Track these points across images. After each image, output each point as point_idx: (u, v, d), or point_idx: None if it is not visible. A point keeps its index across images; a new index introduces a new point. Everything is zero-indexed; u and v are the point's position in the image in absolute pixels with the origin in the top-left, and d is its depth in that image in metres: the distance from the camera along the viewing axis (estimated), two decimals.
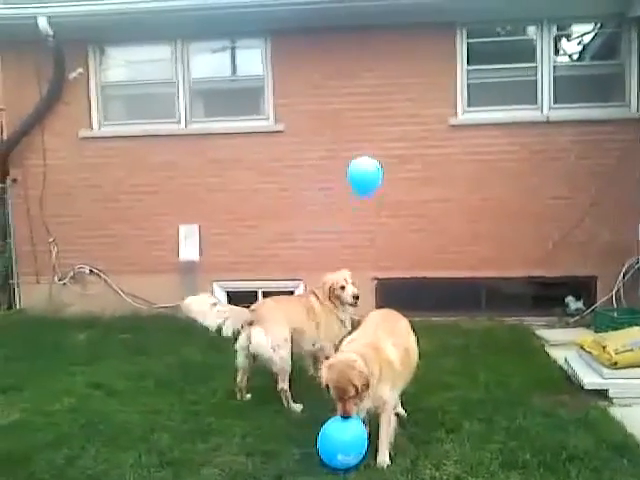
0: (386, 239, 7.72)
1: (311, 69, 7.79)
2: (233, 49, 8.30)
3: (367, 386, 3.81)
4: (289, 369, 4.87)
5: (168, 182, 8.03)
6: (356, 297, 5.13)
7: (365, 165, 4.90)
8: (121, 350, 6.51)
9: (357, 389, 3.76)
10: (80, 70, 8.01)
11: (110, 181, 8.11)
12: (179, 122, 8.08)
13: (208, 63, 8.32)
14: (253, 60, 8.17)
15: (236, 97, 8.30)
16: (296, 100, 7.81)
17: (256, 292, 7.67)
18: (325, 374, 3.89)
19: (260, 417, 4.69)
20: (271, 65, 7.89)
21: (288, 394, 4.87)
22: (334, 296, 5.16)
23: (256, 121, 8.00)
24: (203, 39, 8.12)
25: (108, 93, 8.28)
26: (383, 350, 4.05)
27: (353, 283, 5.20)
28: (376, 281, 7.70)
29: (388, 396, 3.99)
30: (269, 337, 4.85)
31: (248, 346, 4.91)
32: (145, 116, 8.21)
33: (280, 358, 4.84)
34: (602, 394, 4.89)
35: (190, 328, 6.83)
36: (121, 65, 8.45)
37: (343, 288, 5.15)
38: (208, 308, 4.95)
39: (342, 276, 5.20)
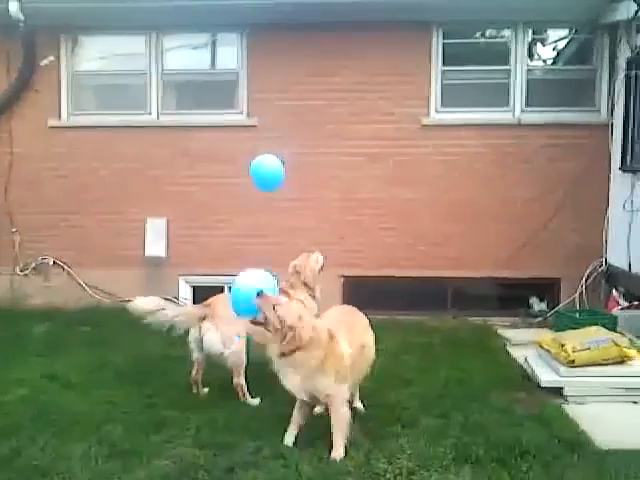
0: (355, 237, 7.71)
1: (286, 65, 7.75)
2: (208, 42, 8.25)
3: (289, 329, 3.80)
4: (243, 364, 4.81)
5: (137, 174, 7.94)
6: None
7: (269, 162, 4.87)
8: (81, 342, 6.41)
9: (280, 322, 3.80)
10: (51, 58, 7.90)
11: (78, 172, 7.99)
12: (150, 113, 8.00)
13: (182, 55, 8.26)
14: (228, 54, 8.13)
15: (210, 90, 8.23)
16: (270, 95, 7.77)
17: (222, 287, 7.59)
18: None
19: (216, 410, 4.64)
20: (246, 59, 7.85)
21: (244, 388, 4.82)
22: (303, 278, 5.15)
23: (229, 115, 7.95)
24: (177, 31, 8.06)
25: (79, 82, 8.16)
26: (337, 342, 4.01)
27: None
28: (343, 279, 7.68)
29: (333, 389, 3.95)
30: (219, 332, 4.80)
31: (200, 340, 4.86)
32: (116, 107, 8.12)
33: (232, 353, 4.78)
34: (558, 392, 4.92)
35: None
36: (93, 55, 8.32)
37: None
38: (155, 310, 4.87)
39: (304, 255, 5.26)
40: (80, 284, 7.95)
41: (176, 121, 7.96)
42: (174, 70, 8.11)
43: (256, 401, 4.80)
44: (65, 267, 8.01)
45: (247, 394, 4.83)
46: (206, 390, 5.04)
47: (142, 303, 4.92)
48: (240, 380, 4.82)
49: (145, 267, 7.86)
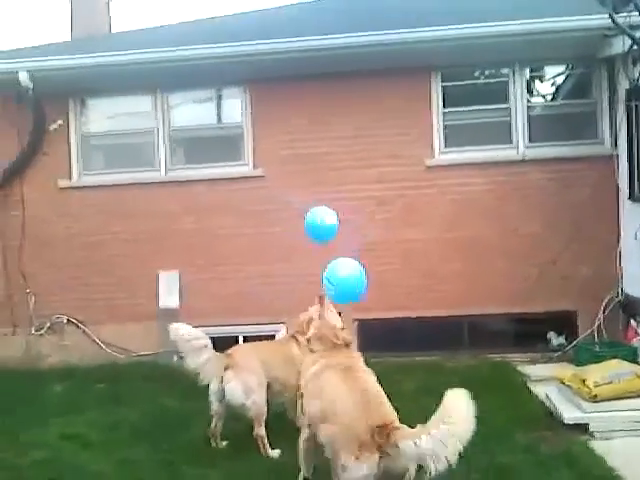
0: (367, 280, 7.67)
1: (289, 115, 7.89)
2: (212, 97, 8.42)
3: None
4: (264, 414, 4.77)
5: (147, 229, 8.02)
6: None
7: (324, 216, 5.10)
8: (97, 400, 6.37)
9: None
10: (60, 122, 8.08)
11: (89, 230, 8.08)
12: (159, 170, 8.13)
13: (187, 112, 8.43)
14: (232, 108, 8.30)
15: (216, 144, 8.36)
16: (275, 145, 7.89)
17: (237, 337, 7.60)
18: None
19: (236, 464, 4.60)
20: (250, 112, 8.00)
21: (265, 440, 4.76)
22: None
23: (236, 167, 8.07)
24: (182, 89, 8.24)
25: (88, 143, 8.34)
26: None
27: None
28: (357, 322, 7.64)
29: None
30: (241, 382, 4.78)
31: (221, 391, 4.83)
32: (125, 165, 8.26)
33: (253, 403, 4.76)
34: (583, 428, 4.84)
35: (169, 375, 6.82)
36: (101, 116, 8.54)
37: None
38: (191, 340, 4.97)
39: (315, 309, 5.16)
40: (95, 341, 7.96)
41: (184, 176, 8.07)
42: (181, 127, 8.27)
43: (277, 452, 4.74)
44: (80, 325, 8.02)
45: (267, 445, 4.76)
46: (225, 443, 4.99)
47: (182, 328, 5.06)
48: (260, 431, 4.77)
49: (159, 320, 7.85)
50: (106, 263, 8.03)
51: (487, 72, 8.16)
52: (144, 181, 8.08)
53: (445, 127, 7.81)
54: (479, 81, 8.19)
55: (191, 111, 8.49)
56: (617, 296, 7.30)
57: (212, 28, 9.17)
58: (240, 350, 5.28)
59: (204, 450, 4.90)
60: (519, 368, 6.83)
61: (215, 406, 4.95)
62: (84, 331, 8.01)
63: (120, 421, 5.64)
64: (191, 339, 4.99)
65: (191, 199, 8.00)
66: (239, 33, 7.94)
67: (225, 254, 7.93)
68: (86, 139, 8.31)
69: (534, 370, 6.69)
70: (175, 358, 7.34)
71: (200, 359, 4.94)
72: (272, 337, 7.34)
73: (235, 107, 8.18)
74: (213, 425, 4.98)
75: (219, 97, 8.43)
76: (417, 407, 5.43)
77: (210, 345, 5.05)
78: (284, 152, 7.88)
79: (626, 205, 7.28)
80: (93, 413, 5.94)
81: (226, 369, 4.88)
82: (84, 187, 8.17)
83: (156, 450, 4.93)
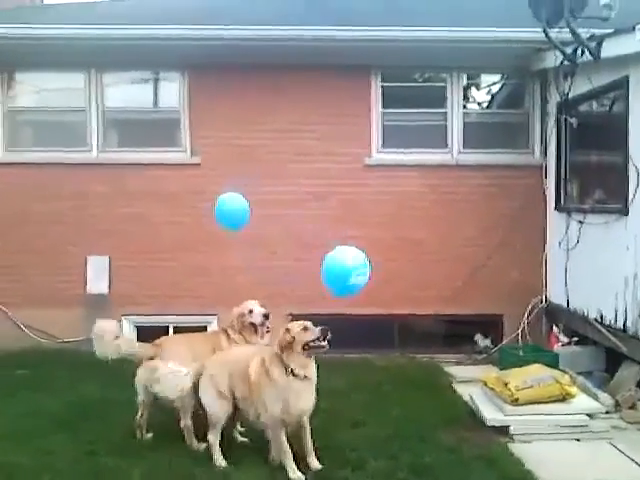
0: (302, 275, 7.65)
1: (229, 104, 7.77)
2: (150, 79, 8.20)
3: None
4: (191, 405, 4.69)
5: (77, 212, 7.75)
6: (265, 316, 5.09)
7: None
8: (16, 387, 6.12)
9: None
10: None
11: (15, 210, 7.73)
12: (90, 151, 7.86)
13: (123, 92, 8.18)
14: (170, 92, 8.06)
15: (152, 128, 8.14)
16: (213, 134, 7.77)
17: (167, 327, 7.46)
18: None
19: (161, 456, 4.50)
20: (188, 98, 7.83)
21: (191, 431, 4.69)
22: (245, 326, 5.07)
23: (172, 153, 7.89)
24: (118, 69, 7.98)
25: (14, 118, 7.96)
26: None
27: (263, 306, 5.18)
28: (291, 317, 7.62)
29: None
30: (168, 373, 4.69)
31: (148, 381, 4.74)
32: (54, 144, 7.91)
33: (180, 394, 4.64)
34: (504, 430, 5.00)
35: (93, 364, 6.57)
36: (31, 91, 8.17)
37: (251, 312, 5.09)
38: (111, 338, 4.87)
39: (249, 303, 5.15)
40: (17, 325, 7.63)
41: (117, 159, 7.83)
42: (115, 107, 8.02)
43: (203, 445, 4.67)
44: (1, 307, 7.67)
45: (193, 437, 4.70)
46: (150, 435, 4.88)
47: (107, 323, 4.98)
48: (187, 422, 4.69)
49: (86, 307, 7.61)
50: (31, 244, 7.72)
51: (426, 75, 8.29)
52: (75, 162, 7.79)
53: (384, 127, 7.88)
54: (418, 84, 8.31)
55: (127, 92, 8.26)
56: (542, 302, 7.60)
57: (154, 8, 8.89)
58: (169, 340, 5.23)
59: (127, 442, 4.77)
60: (446, 369, 7.00)
61: (141, 396, 4.84)
62: (6, 314, 7.67)
63: (40, 409, 5.44)
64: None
65: (124, 183, 7.78)
66: (181, 16, 7.76)
67: (158, 241, 7.76)
68: (12, 114, 7.93)
69: (460, 371, 6.86)
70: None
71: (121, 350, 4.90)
72: (204, 329, 7.27)
73: (173, 91, 7.98)
74: (139, 416, 4.87)
75: (157, 80, 8.23)
76: (347, 403, 5.57)
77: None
78: (222, 141, 7.78)
79: (552, 214, 7.58)
80: (11, 400, 5.71)
81: (153, 359, 4.81)
82: (9, 164, 7.80)
83: (77, 440, 4.79)
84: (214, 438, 4.50)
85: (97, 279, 7.68)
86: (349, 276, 4.15)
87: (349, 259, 4.26)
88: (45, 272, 7.71)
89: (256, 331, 5.10)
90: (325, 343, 4.27)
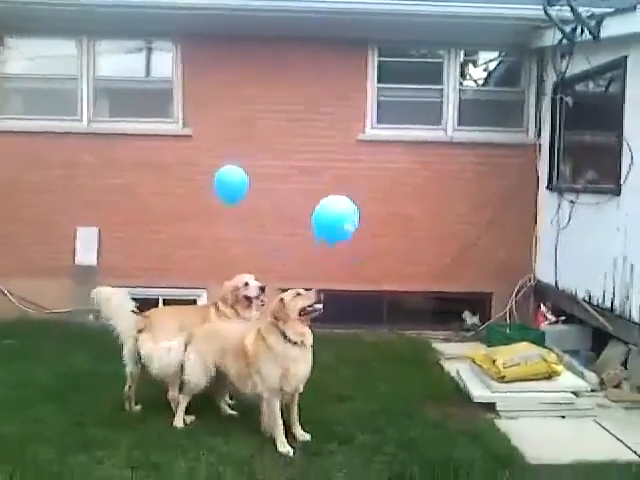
0: (293, 250, 7.65)
1: (222, 76, 7.68)
2: (142, 49, 8.07)
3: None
4: (178, 377, 4.70)
5: (67, 182, 7.67)
6: (262, 289, 5.05)
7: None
8: (4, 357, 6.11)
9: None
10: None
11: (3, 178, 7.65)
12: (81, 120, 7.76)
13: (115, 61, 8.06)
14: (163, 62, 7.95)
15: (144, 99, 8.03)
16: (206, 106, 7.69)
17: (157, 299, 7.45)
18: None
19: (149, 428, 4.54)
20: (181, 68, 7.73)
21: (180, 404, 4.71)
22: (239, 300, 5.02)
23: (164, 124, 7.81)
24: (110, 37, 7.84)
25: (4, 85, 7.84)
26: None
27: (257, 279, 5.13)
28: (281, 292, 7.62)
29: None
30: (157, 345, 4.69)
31: (136, 353, 4.74)
32: (45, 112, 7.80)
33: (168, 365, 4.67)
34: (490, 406, 5.05)
35: (82, 335, 6.63)
36: (21, 57, 8.01)
37: (247, 284, 5.05)
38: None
39: (242, 277, 5.12)
40: (5, 294, 7.59)
41: (108, 128, 7.74)
42: (106, 76, 7.90)
43: (190, 418, 4.70)
44: None
45: (181, 410, 4.71)
46: (138, 407, 4.90)
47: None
48: (175, 393, 4.71)
49: (75, 278, 7.57)
50: (20, 214, 7.65)
51: (424, 51, 8.21)
52: (65, 130, 7.68)
53: (379, 103, 7.83)
54: (415, 60, 8.23)
55: (120, 61, 8.12)
56: (530, 281, 7.64)
57: None
58: (158, 313, 5.19)
59: (116, 413, 4.79)
60: (434, 345, 7.04)
61: (129, 367, 4.85)
62: None
63: (29, 380, 5.44)
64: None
65: (114, 154, 7.69)
66: None
67: (148, 213, 7.71)
68: (2, 81, 7.81)
69: (448, 348, 6.90)
70: (90, 317, 7.14)
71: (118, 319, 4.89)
72: (194, 302, 7.28)
73: (166, 61, 7.86)
74: (127, 387, 4.88)
75: (149, 49, 8.10)
76: (334, 378, 5.61)
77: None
78: (215, 113, 7.70)
79: (544, 193, 7.59)
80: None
81: (142, 331, 4.80)
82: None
83: (66, 411, 4.79)
84: (183, 399, 4.62)
85: (86, 250, 7.64)
86: (341, 223, 4.35)
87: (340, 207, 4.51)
88: (33, 242, 7.66)
89: (249, 305, 5.06)
90: (320, 306, 4.30)
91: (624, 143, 5.88)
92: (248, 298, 5.05)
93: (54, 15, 7.20)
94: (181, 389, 4.68)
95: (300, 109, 7.71)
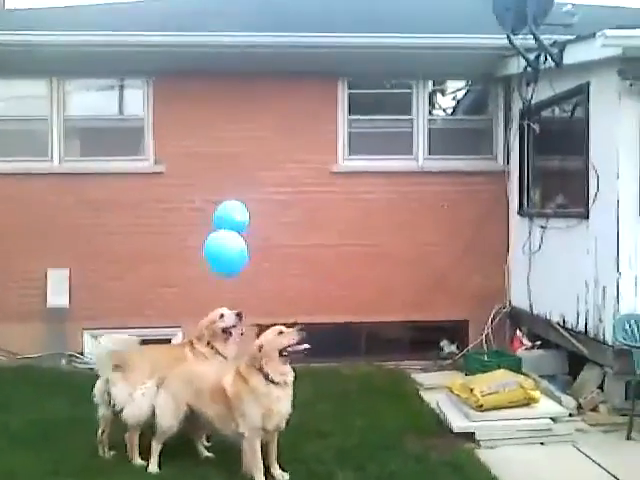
0: (267, 284, 7.63)
1: (193, 112, 7.71)
2: (114, 87, 8.11)
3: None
4: (142, 419, 4.56)
5: (37, 223, 7.57)
6: (239, 315, 4.98)
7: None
8: None
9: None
10: None
11: None
12: (52, 160, 7.72)
13: (86, 101, 8.09)
14: (134, 99, 8.00)
15: (115, 137, 8.03)
16: (178, 142, 7.69)
17: None
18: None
19: (125, 475, 4.41)
20: (152, 106, 7.75)
21: (135, 445, 4.61)
22: (216, 334, 4.93)
23: (135, 162, 7.80)
24: (81, 76, 7.87)
25: None
26: None
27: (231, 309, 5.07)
28: (257, 327, 7.56)
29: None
30: (127, 384, 4.59)
31: (107, 393, 4.63)
32: (15, 153, 7.74)
33: (134, 405, 4.55)
34: (470, 436, 5.03)
35: (56, 380, 6.48)
36: None
37: (222, 316, 4.98)
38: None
39: (217, 311, 5.04)
40: None
41: (79, 168, 7.71)
42: (77, 116, 7.90)
43: (141, 462, 4.59)
44: None
45: (136, 452, 4.61)
46: (112, 453, 4.76)
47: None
48: (132, 436, 4.61)
49: (47, 322, 7.45)
50: None
51: (393, 82, 8.32)
52: (36, 171, 7.64)
53: (350, 134, 7.91)
54: (385, 91, 8.35)
55: (90, 100, 8.15)
56: (505, 307, 7.68)
57: (116, 13, 8.78)
58: (129, 352, 4.99)
59: (91, 460, 4.66)
60: (412, 376, 7.01)
61: (102, 410, 4.71)
62: None
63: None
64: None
65: (86, 193, 7.65)
66: (145, 21, 7.70)
67: (120, 252, 7.64)
68: None
69: (426, 378, 6.86)
70: (63, 361, 7.00)
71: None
72: (168, 341, 7.18)
73: (137, 99, 7.90)
74: (100, 432, 4.73)
75: (121, 87, 8.13)
76: (313, 413, 5.54)
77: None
78: (187, 149, 7.70)
79: (515, 219, 7.67)
80: None
81: (114, 370, 4.66)
82: None
83: (39, 460, 4.63)
84: (156, 445, 4.53)
85: (57, 292, 7.51)
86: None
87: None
88: (3, 286, 7.53)
89: (228, 338, 4.96)
90: (303, 347, 4.27)
91: (591, 167, 5.99)
92: (226, 330, 4.95)
93: (23, 56, 7.21)
94: (154, 434, 4.58)
95: (272, 142, 7.76)
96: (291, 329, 4.34)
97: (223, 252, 4.96)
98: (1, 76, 7.73)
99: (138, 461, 4.60)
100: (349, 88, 7.90)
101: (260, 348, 4.28)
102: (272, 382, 4.21)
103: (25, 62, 7.37)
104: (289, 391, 4.32)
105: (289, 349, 4.27)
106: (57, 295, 7.50)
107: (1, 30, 7.29)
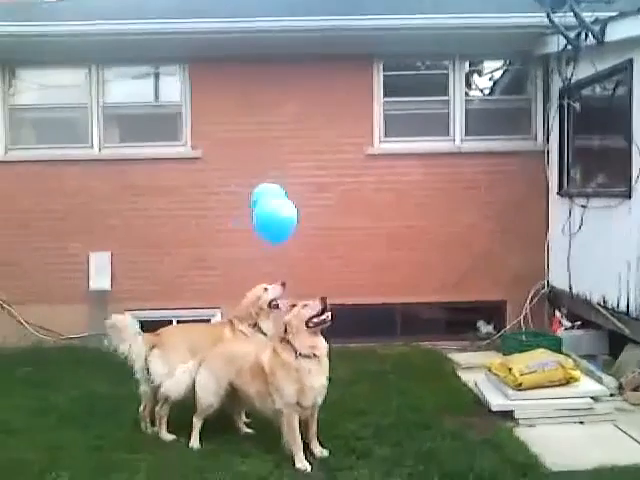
0: (304, 266, 7.68)
1: (230, 97, 7.76)
2: (150, 74, 8.20)
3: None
4: (178, 395, 4.66)
5: (79, 208, 7.76)
6: (283, 284, 5.09)
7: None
8: (22, 384, 6.12)
9: None
10: None
11: (18, 208, 7.75)
12: (92, 147, 7.87)
13: (124, 88, 8.17)
14: (171, 85, 8.06)
15: (153, 123, 8.14)
16: (214, 127, 7.76)
17: (171, 321, 7.46)
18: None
19: (168, 450, 4.53)
20: (189, 91, 7.82)
21: (163, 420, 4.73)
22: (263, 310, 5.01)
23: (173, 147, 7.90)
24: (119, 64, 7.98)
25: (16, 116, 7.97)
26: None
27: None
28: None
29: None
30: (165, 362, 4.71)
31: (146, 370, 4.75)
32: (57, 140, 7.93)
33: (172, 382, 4.66)
34: (509, 415, 5.01)
35: (98, 359, 6.64)
36: (32, 88, 8.16)
37: (266, 289, 5.07)
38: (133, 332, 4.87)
39: (258, 287, 5.12)
40: (20, 322, 7.65)
41: (118, 154, 7.85)
42: (116, 103, 8.02)
43: (170, 437, 4.71)
44: (4, 305, 7.69)
45: (164, 427, 4.73)
46: (155, 428, 4.88)
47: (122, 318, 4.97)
48: (161, 411, 4.73)
49: (89, 302, 7.65)
50: (34, 242, 7.74)
51: (428, 63, 8.23)
52: (76, 158, 7.80)
53: (385, 116, 7.86)
54: (420, 72, 8.26)
55: (128, 87, 8.23)
56: (544, 288, 7.59)
57: (152, 2, 8.86)
58: (168, 330, 5.19)
59: (135, 436, 4.80)
60: (449, 356, 7.01)
61: (143, 386, 4.85)
62: (9, 311, 7.69)
63: (47, 406, 5.46)
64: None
65: (125, 178, 7.79)
66: (182, 8, 7.74)
67: (160, 236, 7.77)
68: (14, 111, 7.94)
69: (464, 358, 6.86)
70: (105, 342, 7.16)
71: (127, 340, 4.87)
72: (207, 321, 7.29)
73: (174, 86, 7.97)
74: (142, 407, 4.88)
75: (157, 74, 8.21)
76: (351, 392, 5.59)
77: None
78: (223, 134, 7.76)
79: (555, 199, 7.55)
80: (18, 398, 5.71)
81: (152, 348, 4.80)
82: (12, 162, 7.81)
83: (84, 436, 4.79)
84: (197, 421, 4.61)
85: (99, 275, 7.69)
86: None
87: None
88: (47, 269, 7.73)
89: (273, 311, 5.02)
90: (327, 315, 4.29)
91: (633, 145, 5.86)
92: (272, 302, 5.02)
93: (63, 46, 7.37)
94: (195, 410, 4.67)
95: (307, 126, 7.77)
96: (313, 301, 4.36)
97: (275, 217, 5.02)
98: (42, 66, 7.92)
99: (167, 436, 4.71)
100: (384, 70, 7.85)
101: (287, 322, 4.33)
102: (302, 356, 4.26)
103: (65, 52, 7.52)
104: (322, 364, 4.34)
105: (314, 320, 4.30)
106: (99, 278, 7.68)
107: (43, 21, 7.43)
